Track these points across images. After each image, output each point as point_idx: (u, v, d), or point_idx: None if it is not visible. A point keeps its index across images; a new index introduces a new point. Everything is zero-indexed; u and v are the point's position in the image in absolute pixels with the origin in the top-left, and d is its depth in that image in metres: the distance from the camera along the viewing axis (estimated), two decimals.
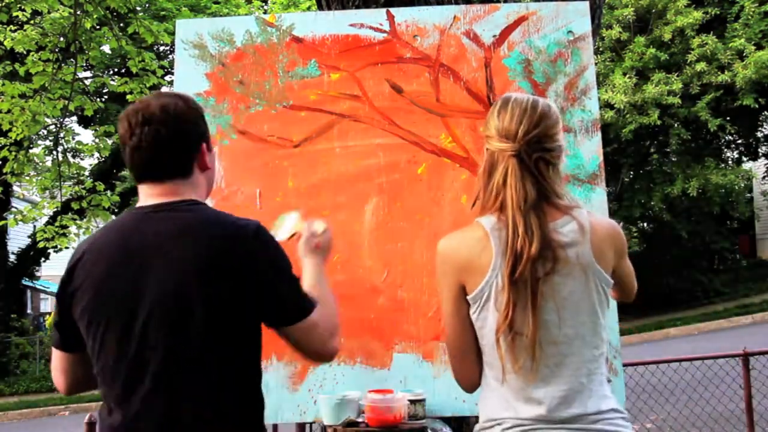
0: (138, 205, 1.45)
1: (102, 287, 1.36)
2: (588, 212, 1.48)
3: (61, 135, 7.13)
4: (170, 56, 12.57)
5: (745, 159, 15.30)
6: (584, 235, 1.42)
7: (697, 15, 11.54)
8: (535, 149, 1.44)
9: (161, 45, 13.05)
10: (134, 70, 6.56)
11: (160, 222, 1.38)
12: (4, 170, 6.86)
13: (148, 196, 1.44)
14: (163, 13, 11.18)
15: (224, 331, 1.35)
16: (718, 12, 11.98)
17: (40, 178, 7.74)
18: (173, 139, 1.42)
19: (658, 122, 11.39)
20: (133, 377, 1.33)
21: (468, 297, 1.44)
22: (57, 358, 1.49)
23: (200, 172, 1.49)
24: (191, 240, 1.35)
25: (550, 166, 1.45)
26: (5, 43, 6.38)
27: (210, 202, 2.26)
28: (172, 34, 2.93)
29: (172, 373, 1.33)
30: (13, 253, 14.78)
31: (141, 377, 1.33)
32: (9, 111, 6.17)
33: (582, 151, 2.26)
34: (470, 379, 1.51)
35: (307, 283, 1.58)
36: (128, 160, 1.45)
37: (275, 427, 3.73)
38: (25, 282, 15.63)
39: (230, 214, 1.45)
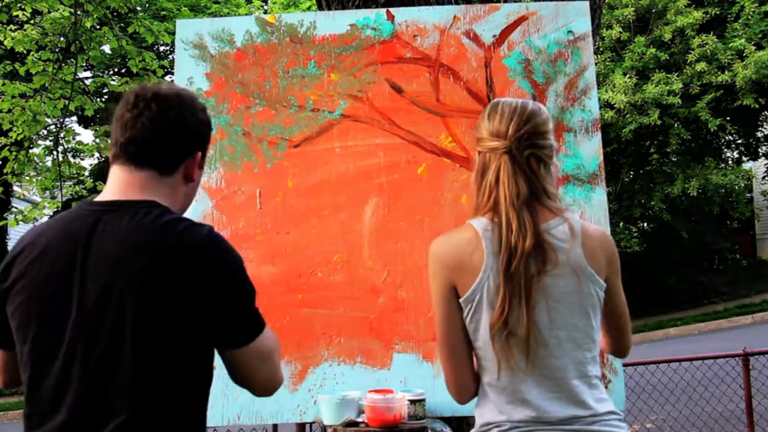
0: (97, 198, 1.33)
1: (37, 292, 1.25)
2: (579, 217, 1.49)
3: (62, 135, 7.13)
4: (171, 56, 12.58)
5: (745, 159, 15.29)
6: (575, 238, 1.42)
7: (697, 15, 11.53)
8: (527, 146, 1.44)
9: (161, 45, 13.06)
10: (134, 70, 6.56)
11: (108, 225, 1.25)
12: (5, 170, 6.86)
13: (114, 184, 1.31)
14: (163, 13, 11.19)
15: (157, 356, 1.21)
16: (718, 12, 11.98)
17: (40, 178, 7.74)
18: (176, 126, 1.31)
19: (658, 122, 11.39)
20: (57, 394, 1.22)
21: (460, 299, 1.44)
22: None
23: (182, 179, 1.35)
24: (136, 251, 1.22)
25: (541, 164, 1.45)
26: (5, 42, 6.38)
27: (210, 203, 2.28)
28: (173, 33, 2.93)
29: (96, 397, 1.20)
30: None
31: (63, 396, 1.21)
32: (9, 111, 6.17)
33: (582, 151, 2.27)
34: (464, 386, 1.49)
35: None
36: (116, 133, 1.31)
37: (275, 427, 3.73)
38: None
39: (185, 222, 1.28)
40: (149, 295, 1.20)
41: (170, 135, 1.31)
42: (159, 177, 1.32)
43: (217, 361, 2.04)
